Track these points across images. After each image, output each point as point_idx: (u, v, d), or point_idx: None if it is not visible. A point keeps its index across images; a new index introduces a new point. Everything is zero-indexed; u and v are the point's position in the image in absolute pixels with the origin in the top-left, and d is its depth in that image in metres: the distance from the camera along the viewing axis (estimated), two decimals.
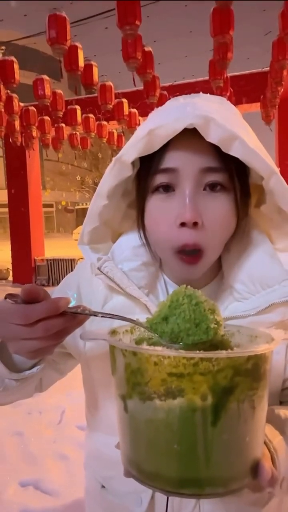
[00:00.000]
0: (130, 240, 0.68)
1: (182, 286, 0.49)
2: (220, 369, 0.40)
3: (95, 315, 0.50)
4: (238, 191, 0.60)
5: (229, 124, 0.55)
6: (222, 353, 0.40)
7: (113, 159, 0.61)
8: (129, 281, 0.65)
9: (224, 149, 0.56)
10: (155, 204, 0.60)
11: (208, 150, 0.57)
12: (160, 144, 0.57)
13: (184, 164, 0.58)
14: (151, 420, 0.43)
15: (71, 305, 0.49)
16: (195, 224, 0.56)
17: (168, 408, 0.42)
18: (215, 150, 0.57)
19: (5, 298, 0.48)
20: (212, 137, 0.55)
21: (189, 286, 0.49)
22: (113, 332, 0.52)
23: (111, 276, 0.64)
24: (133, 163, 0.60)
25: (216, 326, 0.46)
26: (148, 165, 0.61)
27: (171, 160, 0.58)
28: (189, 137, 0.56)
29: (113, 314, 0.51)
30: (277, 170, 0.58)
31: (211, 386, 0.41)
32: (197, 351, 0.40)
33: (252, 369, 0.42)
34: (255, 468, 0.46)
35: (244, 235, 0.65)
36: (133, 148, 0.58)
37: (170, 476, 0.43)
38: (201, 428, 0.42)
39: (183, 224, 0.57)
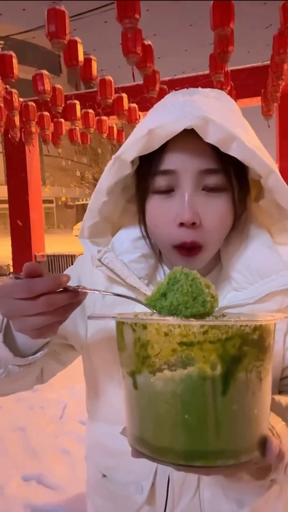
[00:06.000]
0: (130, 233, 0.69)
1: (179, 267, 0.50)
2: (229, 338, 0.42)
3: (95, 292, 0.52)
4: (236, 189, 0.61)
5: (228, 123, 0.55)
6: (231, 321, 0.42)
7: (113, 157, 0.61)
8: (129, 272, 0.66)
9: (222, 150, 0.57)
10: (155, 204, 0.62)
11: (206, 151, 0.58)
12: (159, 143, 0.58)
13: (183, 166, 0.59)
14: (161, 392, 0.44)
15: None
16: (193, 224, 0.58)
17: (178, 378, 0.43)
18: (214, 150, 0.58)
19: (10, 275, 0.49)
20: (210, 138, 0.56)
21: (185, 268, 0.50)
22: None
23: (111, 267, 0.65)
24: (132, 161, 0.61)
25: (212, 299, 0.48)
26: (147, 164, 0.62)
27: (170, 161, 0.59)
28: (188, 136, 0.57)
29: (112, 292, 0.53)
30: (276, 167, 0.59)
31: (221, 354, 0.42)
32: (207, 318, 0.41)
33: (258, 340, 0.44)
34: (263, 445, 0.47)
35: (243, 229, 0.66)
36: (133, 147, 0.59)
37: (181, 449, 0.44)
38: (211, 398, 0.43)
39: (182, 224, 0.58)
